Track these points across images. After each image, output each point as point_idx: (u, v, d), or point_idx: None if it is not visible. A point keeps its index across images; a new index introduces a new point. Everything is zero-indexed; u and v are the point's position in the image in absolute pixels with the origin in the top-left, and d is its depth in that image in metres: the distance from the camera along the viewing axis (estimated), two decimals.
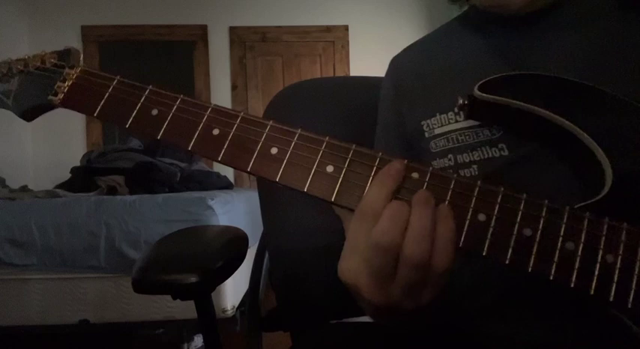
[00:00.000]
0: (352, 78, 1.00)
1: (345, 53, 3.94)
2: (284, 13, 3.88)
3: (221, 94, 3.87)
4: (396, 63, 0.69)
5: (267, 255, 0.87)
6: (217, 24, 3.85)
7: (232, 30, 3.87)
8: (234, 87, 3.89)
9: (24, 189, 2.52)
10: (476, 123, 0.53)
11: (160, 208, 1.83)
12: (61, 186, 2.60)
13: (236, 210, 2.02)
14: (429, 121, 0.59)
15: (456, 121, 0.55)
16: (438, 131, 0.58)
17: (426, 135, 0.59)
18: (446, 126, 0.57)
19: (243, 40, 3.89)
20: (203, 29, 3.84)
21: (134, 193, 2.25)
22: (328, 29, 3.92)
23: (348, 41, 3.93)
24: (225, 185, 2.70)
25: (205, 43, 3.85)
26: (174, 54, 3.82)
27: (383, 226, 0.36)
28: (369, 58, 3.77)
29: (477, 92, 0.44)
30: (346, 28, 3.92)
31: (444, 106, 0.57)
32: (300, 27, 3.90)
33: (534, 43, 0.53)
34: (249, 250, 0.80)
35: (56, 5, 3.71)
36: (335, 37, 3.93)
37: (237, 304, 1.85)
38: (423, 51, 0.67)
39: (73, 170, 2.72)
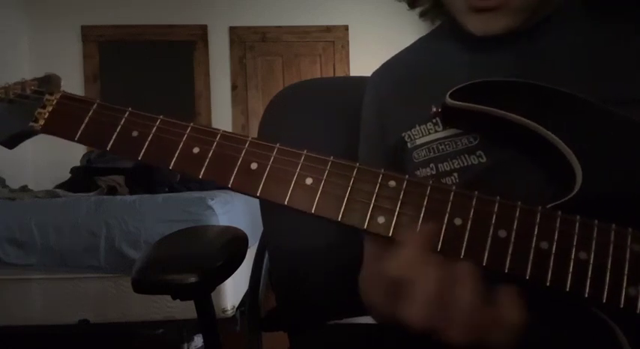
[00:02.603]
0: (352, 78, 1.00)
1: (345, 53, 3.94)
2: (284, 13, 3.88)
3: (221, 94, 3.87)
4: (376, 77, 0.70)
5: (267, 255, 0.87)
6: (217, 24, 3.85)
7: (232, 30, 3.87)
8: (234, 88, 3.89)
9: (24, 189, 2.52)
10: (454, 132, 0.54)
11: (159, 208, 1.83)
12: (61, 186, 2.60)
13: (236, 210, 2.02)
14: (409, 132, 0.60)
15: (436, 131, 0.56)
16: (419, 142, 0.59)
17: (409, 145, 0.60)
18: (426, 136, 0.58)
19: (243, 40, 3.89)
20: (203, 29, 3.84)
21: (134, 193, 2.25)
22: (328, 29, 3.92)
23: (348, 41, 3.93)
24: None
25: (205, 43, 3.85)
26: (174, 54, 3.81)
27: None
28: (369, 58, 3.74)
29: (448, 99, 0.45)
30: (346, 28, 3.92)
31: (423, 117, 0.57)
32: (300, 27, 3.90)
33: (514, 53, 0.54)
34: (249, 250, 0.80)
35: (56, 5, 3.71)
36: (335, 37, 3.93)
37: (237, 304, 1.85)
38: (402, 64, 0.68)
39: (73, 170, 2.72)
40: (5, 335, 1.84)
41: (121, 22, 3.76)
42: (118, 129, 0.45)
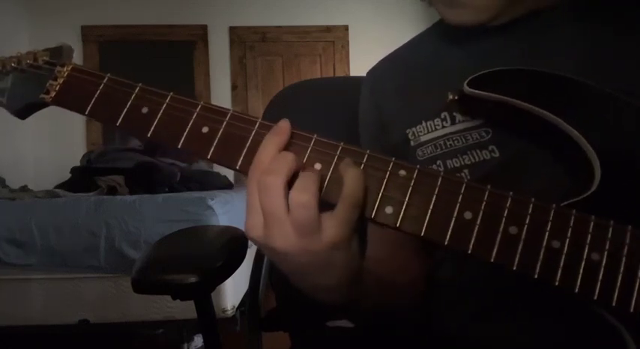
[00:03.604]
0: (352, 78, 1.00)
1: (345, 53, 3.94)
2: (284, 13, 3.88)
3: (221, 94, 3.87)
4: (373, 75, 0.69)
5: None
6: (217, 24, 3.85)
7: (232, 30, 3.87)
8: (234, 87, 3.89)
9: (24, 189, 2.52)
10: (464, 127, 0.53)
11: (159, 208, 1.83)
12: (61, 186, 2.60)
13: (236, 210, 2.02)
14: (414, 129, 0.58)
15: (443, 127, 0.55)
16: (424, 138, 0.57)
17: (412, 143, 0.59)
18: (432, 132, 0.56)
19: (243, 40, 3.89)
20: (203, 29, 3.84)
21: (134, 193, 2.25)
22: (328, 29, 3.92)
23: (348, 41, 3.93)
24: (225, 185, 2.70)
25: (205, 43, 3.85)
26: (174, 54, 3.81)
27: (268, 168, 0.38)
28: (369, 58, 3.71)
29: (465, 88, 0.44)
30: (346, 28, 3.92)
31: (429, 113, 0.56)
32: (300, 27, 3.90)
33: (516, 47, 0.54)
34: (249, 250, 0.80)
35: (56, 5, 3.71)
36: (335, 37, 3.93)
37: (237, 304, 1.85)
38: (401, 61, 0.66)
39: (73, 170, 2.72)
40: (5, 335, 1.84)
41: (121, 22, 3.76)
42: (128, 105, 0.44)
